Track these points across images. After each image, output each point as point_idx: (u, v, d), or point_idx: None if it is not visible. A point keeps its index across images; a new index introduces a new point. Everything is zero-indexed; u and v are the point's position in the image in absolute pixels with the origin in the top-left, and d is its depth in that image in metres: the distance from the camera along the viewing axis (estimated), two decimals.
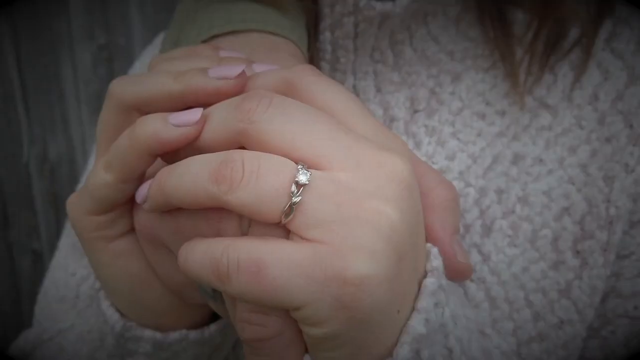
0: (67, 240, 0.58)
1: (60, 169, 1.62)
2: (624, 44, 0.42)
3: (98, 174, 0.31)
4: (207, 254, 0.27)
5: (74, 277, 0.54)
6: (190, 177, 0.27)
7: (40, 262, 1.70)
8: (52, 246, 1.67)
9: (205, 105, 0.30)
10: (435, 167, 0.42)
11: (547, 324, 0.38)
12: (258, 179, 0.26)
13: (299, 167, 0.26)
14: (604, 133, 0.41)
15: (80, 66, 1.53)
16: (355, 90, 0.45)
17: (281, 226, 0.27)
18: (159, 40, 0.62)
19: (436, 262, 0.30)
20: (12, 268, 1.74)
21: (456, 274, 0.31)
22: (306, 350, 0.29)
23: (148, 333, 0.35)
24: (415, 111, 0.44)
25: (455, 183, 0.41)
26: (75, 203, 0.33)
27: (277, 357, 0.28)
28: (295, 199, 0.26)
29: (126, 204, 0.32)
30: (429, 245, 0.30)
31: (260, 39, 0.38)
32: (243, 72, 0.30)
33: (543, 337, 0.38)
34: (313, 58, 0.44)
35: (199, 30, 0.40)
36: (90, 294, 0.53)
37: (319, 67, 0.44)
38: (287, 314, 0.27)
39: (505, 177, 0.41)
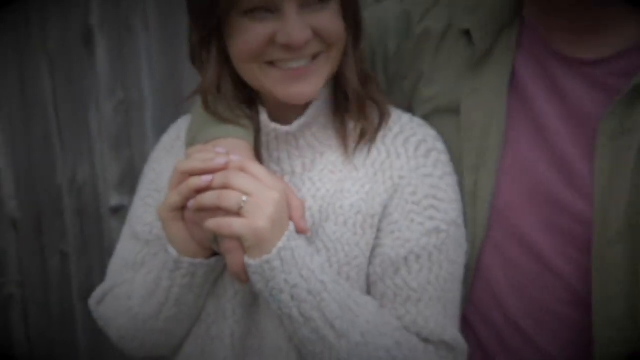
0: (127, 232, 1.02)
1: (85, 189, 1.95)
2: (387, 139, 0.88)
3: (173, 197, 0.80)
4: (215, 223, 0.75)
5: (132, 252, 0.99)
6: (209, 199, 0.76)
7: (67, 261, 2.00)
8: (77, 248, 2.00)
9: (213, 172, 0.78)
10: (312, 192, 0.88)
11: (351, 258, 0.84)
12: (230, 199, 0.75)
13: (244, 195, 0.76)
14: (376, 179, 0.86)
15: (104, 114, 1.89)
16: (280, 159, 0.90)
17: (238, 213, 0.75)
18: (182, 121, 1.04)
19: (291, 227, 0.78)
20: (44, 265, 2.02)
21: (301, 231, 0.80)
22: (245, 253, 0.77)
23: (187, 259, 0.83)
24: (304, 170, 0.90)
25: (320, 201, 0.88)
26: (161, 208, 0.82)
27: (236, 255, 0.76)
28: (241, 205, 0.74)
29: (183, 208, 0.81)
30: (290, 222, 0.79)
31: (233, 141, 0.84)
32: (227, 162, 0.78)
33: (349, 263, 0.84)
34: (258, 145, 0.91)
35: (206, 135, 0.87)
36: (142, 260, 0.96)
37: (260, 150, 0.89)
38: (239, 239, 0.75)
39: (337, 198, 0.87)
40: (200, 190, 0.78)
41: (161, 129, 1.76)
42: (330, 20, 0.81)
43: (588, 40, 0.84)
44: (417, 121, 0.92)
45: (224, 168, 0.78)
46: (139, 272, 0.96)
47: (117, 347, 0.97)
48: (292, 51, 0.79)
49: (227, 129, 0.86)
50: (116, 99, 1.89)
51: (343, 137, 0.90)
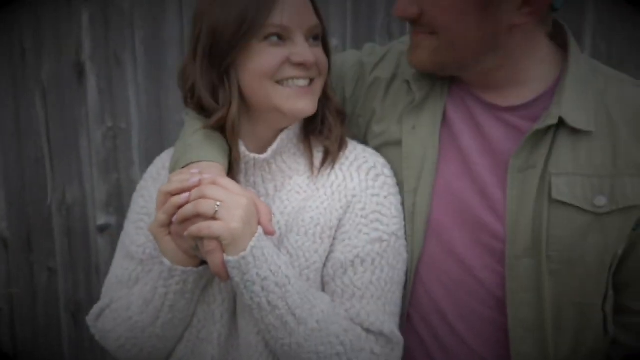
0: (121, 253, 1.13)
1: (74, 209, 2.03)
2: (344, 166, 1.03)
3: (160, 215, 0.94)
4: (196, 228, 0.88)
5: (127, 270, 1.10)
6: (189, 209, 0.89)
7: (55, 277, 2.07)
8: (65, 265, 2.07)
9: (190, 190, 0.91)
10: (280, 209, 1.02)
11: (311, 263, 0.98)
12: (205, 206, 0.88)
13: (217, 202, 0.89)
14: (334, 198, 1.01)
15: (94, 140, 1.98)
16: (256, 183, 1.05)
17: (213, 218, 0.88)
18: (165, 154, 1.18)
19: (260, 230, 0.91)
20: (32, 281, 2.08)
21: (268, 233, 0.92)
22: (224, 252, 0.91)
23: (180, 267, 0.95)
24: (276, 190, 1.04)
25: (286, 216, 1.02)
26: (152, 226, 0.95)
27: (216, 254, 0.89)
28: (216, 209, 0.88)
29: (170, 223, 0.94)
30: (259, 226, 0.92)
31: (205, 163, 0.97)
32: (200, 180, 0.91)
33: (309, 267, 0.98)
34: (236, 170, 1.05)
35: (184, 161, 0.99)
36: (136, 277, 1.08)
37: (239, 173, 1.04)
38: (218, 240, 0.89)
39: (300, 213, 1.00)
40: (181, 207, 0.92)
41: (146, 154, 1.99)
42: (322, 53, 1.01)
43: (499, 90, 1.02)
44: (369, 151, 1.09)
45: (198, 185, 0.92)
46: (132, 288, 1.07)
47: (102, 358, 1.04)
48: (303, 69, 0.98)
49: (202, 154, 1.00)
50: (105, 126, 1.98)
51: (309, 157, 1.06)
